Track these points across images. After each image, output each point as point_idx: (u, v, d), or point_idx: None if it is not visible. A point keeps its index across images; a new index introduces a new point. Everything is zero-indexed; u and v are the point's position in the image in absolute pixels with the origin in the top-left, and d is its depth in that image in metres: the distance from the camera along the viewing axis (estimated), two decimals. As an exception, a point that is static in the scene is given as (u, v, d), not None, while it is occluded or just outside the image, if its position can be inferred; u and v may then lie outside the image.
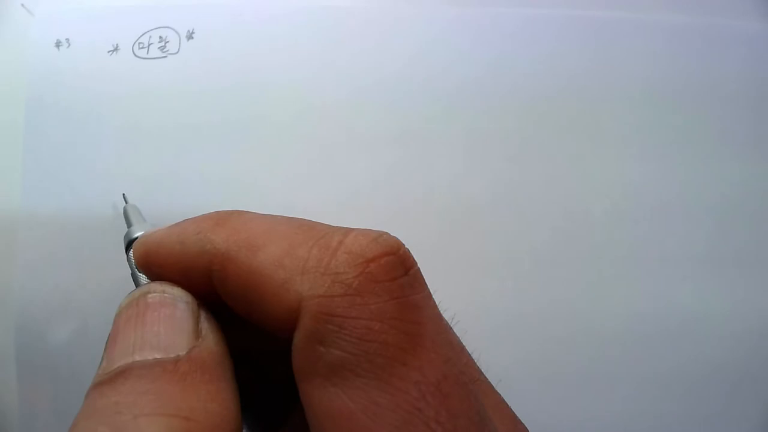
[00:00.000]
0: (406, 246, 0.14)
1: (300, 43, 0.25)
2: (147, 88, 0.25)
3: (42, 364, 0.24)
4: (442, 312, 0.15)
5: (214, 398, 0.13)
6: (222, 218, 0.15)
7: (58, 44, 0.25)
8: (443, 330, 0.14)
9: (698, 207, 0.24)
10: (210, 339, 0.14)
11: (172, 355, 0.13)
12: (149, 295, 0.15)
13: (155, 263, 0.16)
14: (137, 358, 0.13)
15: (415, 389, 0.12)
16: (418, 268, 0.14)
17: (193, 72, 0.25)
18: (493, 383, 0.16)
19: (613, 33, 0.25)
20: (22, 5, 0.26)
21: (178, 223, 0.16)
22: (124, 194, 0.23)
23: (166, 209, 0.24)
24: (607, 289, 0.24)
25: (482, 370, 0.16)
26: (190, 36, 0.25)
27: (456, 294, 0.22)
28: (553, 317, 0.24)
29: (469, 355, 0.16)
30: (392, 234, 0.14)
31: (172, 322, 0.14)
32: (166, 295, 0.15)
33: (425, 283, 0.14)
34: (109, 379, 0.13)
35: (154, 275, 0.16)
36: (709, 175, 0.25)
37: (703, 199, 0.24)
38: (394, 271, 0.13)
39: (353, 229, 0.14)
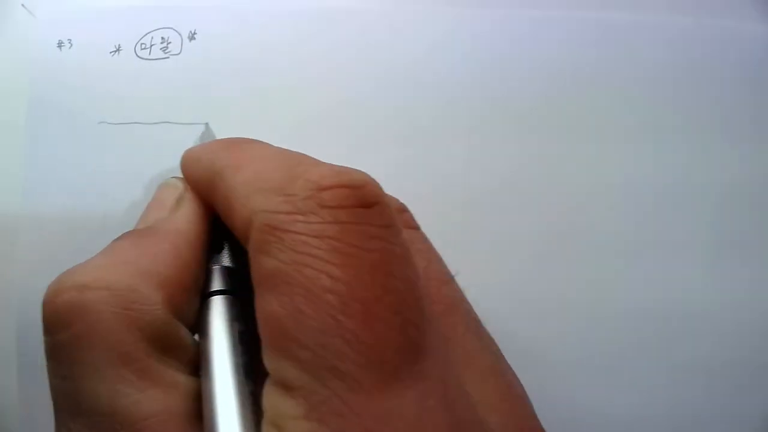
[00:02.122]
0: (379, 187, 0.14)
1: (302, 45, 0.25)
2: (149, 89, 0.25)
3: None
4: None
5: (152, 255, 0.16)
6: (233, 143, 0.18)
7: (59, 45, 0.25)
8: (396, 262, 0.14)
9: (702, 201, 0.25)
10: (178, 217, 0.18)
11: (142, 227, 0.18)
12: (162, 184, 0.19)
13: (184, 173, 0.19)
14: (135, 227, 0.18)
15: (338, 301, 0.13)
16: (385, 207, 0.14)
17: (195, 73, 0.25)
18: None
19: (614, 33, 0.25)
20: (23, 5, 0.26)
21: (209, 142, 0.20)
22: (207, 123, 0.25)
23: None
24: (626, 274, 0.24)
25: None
26: (192, 37, 0.25)
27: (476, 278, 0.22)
28: (564, 305, 0.24)
29: (458, 299, 0.17)
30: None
31: (159, 203, 0.18)
32: (164, 183, 0.19)
33: (392, 221, 0.14)
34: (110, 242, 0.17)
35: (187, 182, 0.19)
36: (709, 173, 0.25)
37: (705, 195, 0.25)
38: (345, 201, 0.14)
39: (327, 164, 0.15)
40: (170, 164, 0.21)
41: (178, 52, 0.25)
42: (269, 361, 0.13)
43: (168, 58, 0.25)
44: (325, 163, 0.15)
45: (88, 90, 0.25)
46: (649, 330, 0.24)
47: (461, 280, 0.18)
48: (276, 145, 0.18)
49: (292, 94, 0.25)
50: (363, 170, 0.15)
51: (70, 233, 0.24)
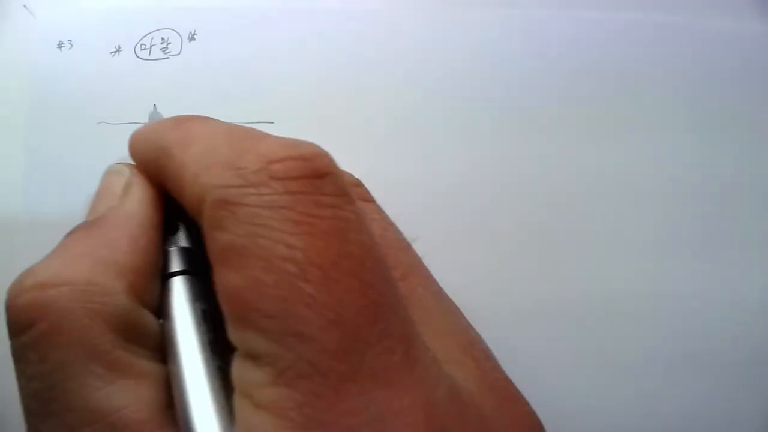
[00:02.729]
0: (330, 158, 0.15)
1: (302, 45, 0.25)
2: (149, 89, 0.25)
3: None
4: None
5: (108, 245, 0.16)
6: (180, 120, 0.18)
7: (60, 45, 0.25)
8: (350, 228, 0.14)
9: (702, 200, 0.24)
10: (128, 202, 0.17)
11: (92, 218, 0.17)
12: (107, 171, 0.19)
13: (131, 153, 0.19)
14: (87, 219, 0.17)
15: (296, 268, 0.13)
16: (336, 177, 0.14)
17: (194, 73, 0.25)
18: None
19: (614, 33, 0.25)
20: (24, 6, 0.26)
21: (156, 122, 0.19)
22: (155, 105, 0.25)
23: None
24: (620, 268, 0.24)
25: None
26: (192, 37, 0.25)
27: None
28: (562, 302, 0.24)
29: (414, 264, 0.18)
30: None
31: (107, 191, 0.18)
32: (108, 170, 0.19)
33: (344, 191, 0.14)
34: (63, 238, 0.17)
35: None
36: (708, 172, 0.25)
37: (705, 194, 0.25)
38: (295, 172, 0.14)
39: (276, 137, 0.15)
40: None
41: (178, 52, 0.25)
42: (234, 334, 0.14)
43: (168, 58, 0.25)
44: (273, 135, 0.15)
45: (88, 90, 0.25)
46: (648, 327, 0.24)
47: (419, 247, 0.18)
48: (223, 121, 0.17)
49: (292, 94, 0.25)
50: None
51: (70, 233, 0.24)
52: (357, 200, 0.15)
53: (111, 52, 0.25)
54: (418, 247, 0.19)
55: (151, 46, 0.25)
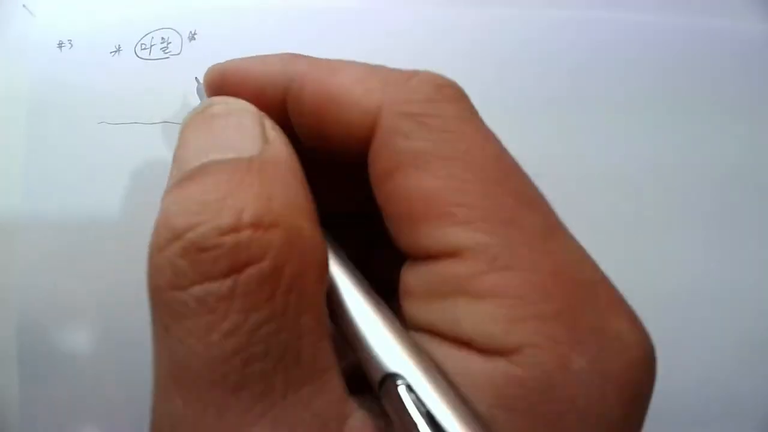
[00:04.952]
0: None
1: (302, 45, 0.25)
2: (149, 89, 0.25)
3: (43, 365, 0.24)
4: None
5: (293, 189, 0.14)
6: (299, 55, 0.17)
7: (60, 45, 0.25)
8: (495, 138, 0.15)
9: (702, 200, 0.25)
10: (278, 143, 0.15)
11: (246, 155, 0.14)
12: (214, 107, 0.16)
13: (231, 82, 0.17)
14: (212, 157, 0.14)
15: (494, 167, 0.14)
16: (470, 101, 0.16)
17: (195, 73, 0.25)
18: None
19: (614, 33, 0.25)
20: (24, 6, 0.26)
21: (260, 56, 0.17)
22: (196, 77, 0.22)
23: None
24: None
25: None
26: (192, 37, 0.25)
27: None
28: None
29: None
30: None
31: (241, 128, 0.15)
32: (230, 105, 0.16)
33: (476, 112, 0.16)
34: (188, 176, 0.14)
35: (226, 94, 0.17)
36: (707, 172, 0.25)
37: (704, 194, 0.25)
38: (462, 96, 0.15)
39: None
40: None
41: (178, 52, 0.25)
42: (425, 235, 0.14)
43: (168, 58, 0.25)
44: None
45: (88, 90, 0.25)
46: (649, 314, 0.24)
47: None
48: None
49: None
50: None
51: (70, 233, 0.24)
52: None
53: (111, 52, 0.25)
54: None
55: (151, 45, 0.25)
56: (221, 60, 0.25)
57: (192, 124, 0.15)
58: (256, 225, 0.12)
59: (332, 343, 0.13)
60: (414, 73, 0.15)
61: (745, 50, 0.25)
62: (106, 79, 0.25)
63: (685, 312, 0.24)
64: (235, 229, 0.12)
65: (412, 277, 0.14)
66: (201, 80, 0.19)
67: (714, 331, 0.24)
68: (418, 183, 0.14)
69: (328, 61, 0.16)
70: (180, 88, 0.25)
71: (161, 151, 0.25)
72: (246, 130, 0.15)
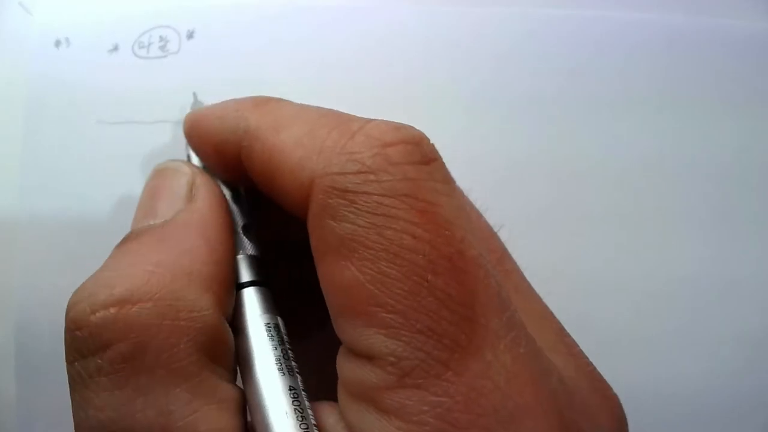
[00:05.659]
0: (431, 142, 0.14)
1: (301, 43, 0.25)
2: (147, 88, 0.25)
3: (41, 365, 0.24)
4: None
5: (187, 253, 0.14)
6: (260, 101, 0.17)
7: (57, 43, 0.25)
8: (462, 216, 0.13)
9: (702, 199, 0.25)
10: (200, 202, 0.16)
11: (160, 221, 0.15)
12: (162, 170, 0.17)
13: (197, 134, 0.17)
14: (139, 225, 0.16)
15: (424, 261, 0.12)
16: (443, 163, 0.14)
17: (193, 72, 0.25)
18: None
19: (614, 33, 0.25)
20: (20, 4, 0.26)
21: (224, 101, 0.17)
22: (194, 93, 0.24)
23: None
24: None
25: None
26: (190, 35, 0.25)
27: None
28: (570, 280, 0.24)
29: (505, 250, 0.17)
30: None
31: (170, 192, 0.16)
32: (168, 166, 0.17)
33: (450, 177, 0.14)
34: (121, 242, 0.15)
35: (195, 146, 0.18)
36: (707, 172, 0.25)
37: (704, 193, 0.25)
38: (410, 157, 0.13)
39: (378, 119, 0.14)
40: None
41: (176, 50, 0.25)
42: (346, 331, 0.13)
43: (166, 56, 0.25)
44: (375, 119, 0.14)
45: (86, 89, 0.25)
46: (649, 306, 0.24)
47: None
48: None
49: (291, 94, 0.25)
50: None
51: (68, 232, 0.24)
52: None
53: (109, 51, 0.25)
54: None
55: (149, 44, 0.25)
56: (219, 58, 0.25)
57: (144, 187, 0.17)
58: (123, 301, 0.13)
59: (232, 406, 0.13)
60: (360, 128, 0.14)
61: (745, 48, 0.25)
62: (103, 77, 0.25)
63: (685, 311, 0.24)
64: (104, 306, 0.13)
65: (341, 362, 0.14)
66: (197, 95, 0.22)
67: (715, 329, 0.24)
68: (341, 273, 0.13)
69: (277, 114, 0.16)
70: (178, 86, 0.25)
71: (159, 149, 0.24)
72: (172, 194, 0.16)
